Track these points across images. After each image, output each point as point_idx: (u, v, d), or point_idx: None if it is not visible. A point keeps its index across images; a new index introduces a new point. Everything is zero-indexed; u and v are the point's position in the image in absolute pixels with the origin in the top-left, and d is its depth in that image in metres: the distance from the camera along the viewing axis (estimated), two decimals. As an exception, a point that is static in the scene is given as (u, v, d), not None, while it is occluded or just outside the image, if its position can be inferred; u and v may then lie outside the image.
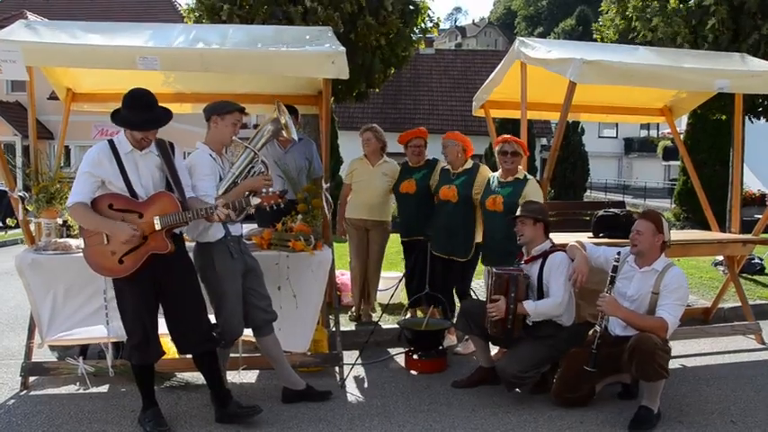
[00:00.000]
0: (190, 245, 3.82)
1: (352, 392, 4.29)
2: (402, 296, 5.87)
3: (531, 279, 4.14)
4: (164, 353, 3.67)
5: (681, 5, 7.69)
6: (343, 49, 4.10)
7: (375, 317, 5.66)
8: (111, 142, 3.44)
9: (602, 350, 3.78)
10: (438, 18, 7.40)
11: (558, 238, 4.91)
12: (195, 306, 3.61)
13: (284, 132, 4.20)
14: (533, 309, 4.01)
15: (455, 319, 4.50)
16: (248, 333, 4.32)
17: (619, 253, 3.92)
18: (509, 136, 4.83)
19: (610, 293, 3.79)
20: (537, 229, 4.17)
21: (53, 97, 13.13)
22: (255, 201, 3.52)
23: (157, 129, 3.49)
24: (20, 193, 4.35)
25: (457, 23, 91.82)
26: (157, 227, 3.36)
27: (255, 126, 4.46)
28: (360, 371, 4.69)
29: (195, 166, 3.75)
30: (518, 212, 4.24)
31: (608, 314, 3.79)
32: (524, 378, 4.05)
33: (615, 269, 3.84)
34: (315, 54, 4.13)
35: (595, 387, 4.00)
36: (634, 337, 3.67)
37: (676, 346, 5.17)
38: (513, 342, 4.12)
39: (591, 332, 3.86)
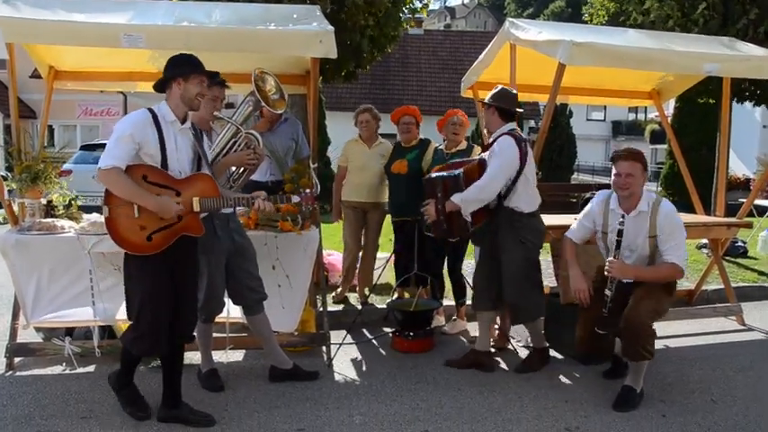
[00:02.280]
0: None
1: (340, 372, 4.31)
2: (389, 276, 5.88)
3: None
4: (182, 339, 3.49)
5: None
6: (331, 28, 4.05)
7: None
8: (151, 110, 3.26)
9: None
10: None
11: (543, 220, 4.95)
12: (190, 300, 3.49)
13: (263, 103, 4.07)
14: (459, 199, 3.99)
15: (473, 300, 4.46)
16: (234, 314, 4.34)
17: (623, 216, 3.79)
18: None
19: (616, 257, 3.76)
20: (490, 113, 4.17)
21: (35, 75, 12.89)
22: (296, 199, 3.51)
23: (208, 79, 3.35)
24: (2, 173, 4.30)
25: (446, 4, 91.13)
26: (196, 208, 3.24)
27: (243, 106, 4.37)
28: (347, 351, 4.71)
29: None
30: None
31: (619, 278, 3.77)
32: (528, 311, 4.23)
33: (621, 233, 3.77)
34: (303, 33, 4.09)
35: (614, 342, 4.06)
36: (624, 317, 3.68)
37: (660, 327, 5.23)
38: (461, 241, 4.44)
39: (605, 292, 3.81)
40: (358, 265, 5.87)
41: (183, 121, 3.33)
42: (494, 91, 4.25)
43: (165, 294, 3.30)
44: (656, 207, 3.79)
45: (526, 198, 4.11)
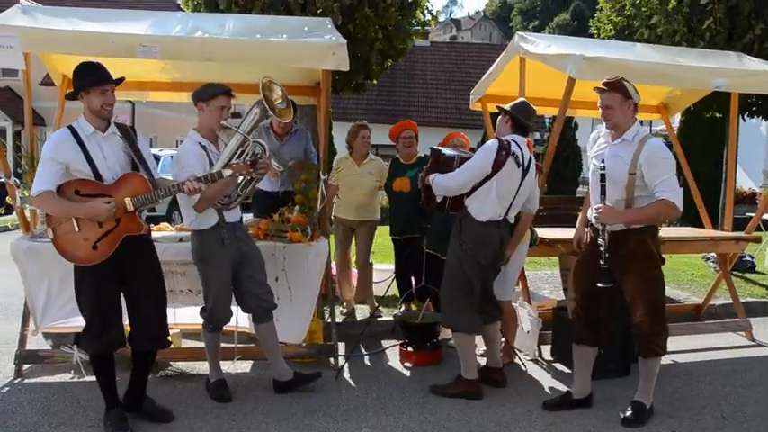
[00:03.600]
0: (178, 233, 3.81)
1: (347, 384, 4.31)
2: (396, 288, 5.88)
3: None
4: (123, 342, 3.54)
5: (680, 4, 7.72)
6: (344, 40, 4.09)
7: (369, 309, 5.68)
8: (71, 128, 3.35)
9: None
10: (437, 11, 7.40)
11: (550, 233, 4.96)
12: (153, 302, 3.53)
13: (272, 113, 4.07)
14: (432, 179, 4.09)
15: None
16: (243, 324, 4.35)
17: (603, 161, 3.65)
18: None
19: (603, 203, 3.60)
20: (503, 121, 4.12)
21: (45, 83, 12.97)
22: (227, 172, 3.45)
23: (113, 86, 3.37)
24: (15, 180, 4.32)
25: (452, 16, 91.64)
26: (130, 208, 3.28)
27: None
28: (355, 362, 4.71)
29: (180, 156, 3.74)
30: None
31: (608, 223, 3.60)
32: (444, 314, 4.19)
33: (603, 177, 3.61)
34: (316, 45, 4.12)
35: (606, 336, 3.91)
36: (635, 323, 3.66)
37: (668, 342, 5.22)
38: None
39: (595, 242, 3.69)
40: (355, 281, 5.89)
41: (106, 129, 3.38)
42: (515, 102, 4.21)
43: (113, 300, 3.42)
44: (642, 141, 3.59)
45: (479, 205, 3.98)
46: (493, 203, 3.97)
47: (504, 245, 4.18)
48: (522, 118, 4.08)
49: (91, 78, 3.33)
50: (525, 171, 4.04)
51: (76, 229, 3.28)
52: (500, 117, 4.18)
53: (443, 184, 4.05)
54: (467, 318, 4.05)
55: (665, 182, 3.51)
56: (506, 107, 4.16)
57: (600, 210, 3.59)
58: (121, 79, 3.47)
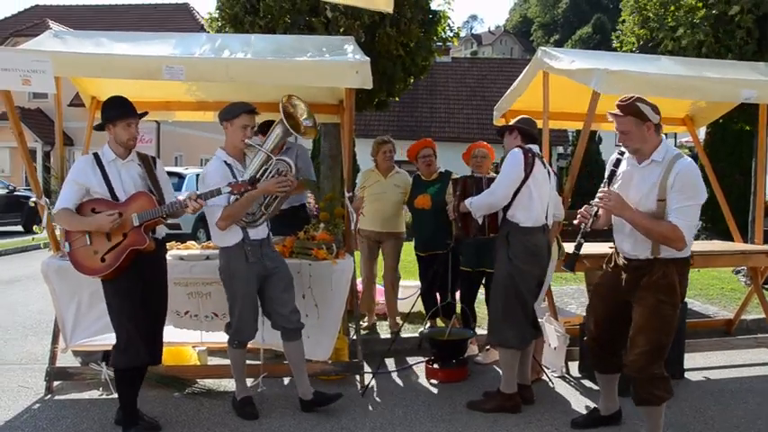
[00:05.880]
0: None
1: (373, 401, 4.29)
2: (422, 305, 5.86)
3: None
4: (152, 360, 3.67)
5: (707, 13, 7.63)
6: (367, 59, 4.12)
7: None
8: (95, 154, 3.65)
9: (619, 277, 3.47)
10: (458, 28, 7.41)
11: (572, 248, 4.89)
12: (154, 317, 3.70)
13: (294, 132, 4.10)
14: (469, 203, 4.10)
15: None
16: (269, 341, 4.36)
17: (622, 153, 3.44)
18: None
19: (608, 188, 3.33)
20: (512, 137, 4.19)
21: (73, 104, 13.30)
22: (226, 189, 3.56)
23: (137, 120, 3.64)
24: (45, 200, 4.40)
25: (473, 31, 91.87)
26: (135, 223, 3.50)
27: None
28: (381, 379, 4.68)
29: (206, 175, 3.81)
30: None
31: (615, 213, 3.29)
32: (495, 330, 4.07)
33: (618, 162, 3.38)
34: (340, 64, 4.16)
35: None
36: (628, 360, 3.35)
37: (698, 358, 5.14)
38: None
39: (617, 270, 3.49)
40: (382, 298, 5.87)
41: (126, 155, 3.65)
42: (516, 118, 4.34)
43: (137, 311, 3.56)
44: (672, 161, 3.18)
45: (523, 211, 4.00)
46: (536, 206, 4.02)
47: (550, 253, 4.20)
48: (527, 127, 4.19)
49: (117, 111, 3.59)
50: (548, 173, 4.15)
51: (88, 243, 3.52)
52: (506, 135, 4.24)
53: (485, 202, 4.05)
54: (521, 334, 4.05)
55: (683, 209, 3.13)
56: (510, 123, 4.25)
57: (611, 196, 3.25)
58: (145, 113, 3.77)
